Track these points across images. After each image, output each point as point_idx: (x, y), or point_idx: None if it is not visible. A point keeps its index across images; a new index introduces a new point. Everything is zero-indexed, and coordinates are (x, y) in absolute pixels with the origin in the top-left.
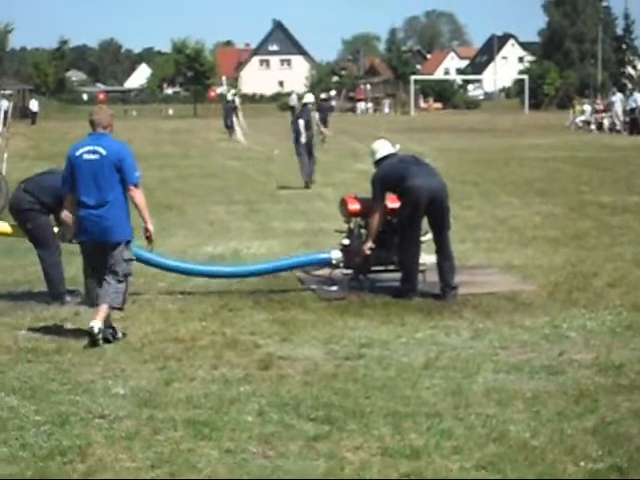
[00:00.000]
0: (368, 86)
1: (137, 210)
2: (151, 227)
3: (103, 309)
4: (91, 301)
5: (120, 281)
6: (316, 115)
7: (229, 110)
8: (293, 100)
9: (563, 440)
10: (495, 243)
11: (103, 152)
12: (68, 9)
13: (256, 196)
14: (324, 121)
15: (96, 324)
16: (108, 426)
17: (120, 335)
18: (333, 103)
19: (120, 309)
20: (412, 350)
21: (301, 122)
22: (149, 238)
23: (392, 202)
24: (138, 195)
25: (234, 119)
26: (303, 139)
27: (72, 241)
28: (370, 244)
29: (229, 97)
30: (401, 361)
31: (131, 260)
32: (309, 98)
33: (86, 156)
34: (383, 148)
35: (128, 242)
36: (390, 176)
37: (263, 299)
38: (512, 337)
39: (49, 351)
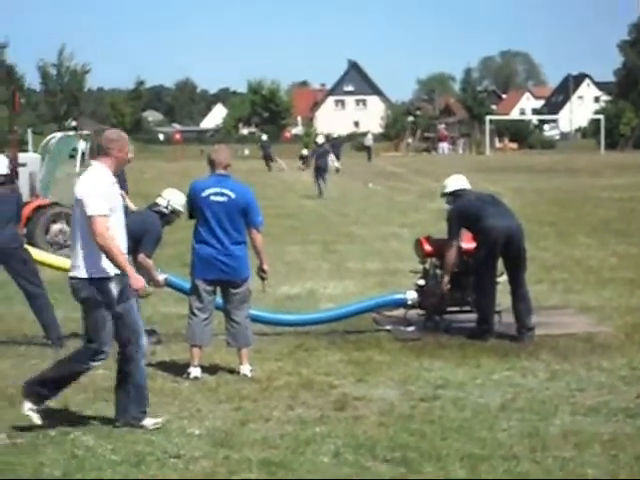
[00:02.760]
0: (442, 126)
1: (255, 251)
2: (267, 267)
3: (245, 353)
4: (192, 338)
5: (247, 317)
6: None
7: (266, 148)
8: (369, 140)
9: None
10: (572, 284)
11: (232, 195)
12: (144, 50)
13: (332, 236)
14: (337, 156)
15: (246, 368)
16: (184, 466)
17: (192, 376)
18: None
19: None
20: (488, 392)
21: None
22: (263, 278)
23: (468, 242)
24: (259, 239)
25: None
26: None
27: (149, 283)
28: (447, 280)
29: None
30: (477, 402)
31: (251, 294)
32: (320, 139)
33: (213, 198)
34: (454, 182)
35: (249, 278)
36: (467, 213)
37: (338, 339)
38: (589, 379)
39: None
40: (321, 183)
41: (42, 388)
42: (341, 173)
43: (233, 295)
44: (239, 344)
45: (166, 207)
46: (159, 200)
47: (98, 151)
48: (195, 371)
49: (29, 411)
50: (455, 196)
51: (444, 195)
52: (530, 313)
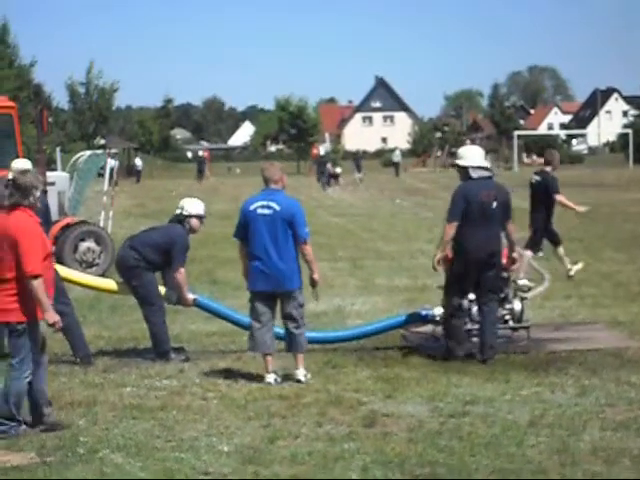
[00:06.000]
0: (468, 142)
1: (305, 262)
2: (317, 277)
3: (301, 358)
4: (253, 345)
5: (300, 326)
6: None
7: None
8: (397, 156)
9: None
10: (600, 299)
11: (276, 207)
12: (173, 68)
13: (360, 253)
14: (358, 168)
15: (301, 373)
16: None
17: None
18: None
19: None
20: (517, 407)
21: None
22: (314, 285)
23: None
24: (307, 250)
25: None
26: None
27: (179, 302)
28: (439, 255)
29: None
30: (506, 418)
31: (303, 305)
32: (322, 150)
33: (260, 210)
34: (474, 158)
35: (300, 288)
36: (471, 199)
37: (366, 356)
38: (619, 394)
39: (154, 408)
40: (324, 184)
41: None
42: (368, 188)
43: (283, 302)
44: (294, 350)
45: (184, 214)
46: (177, 211)
47: None
48: (269, 377)
49: None
50: (466, 172)
51: (455, 166)
52: (493, 332)
